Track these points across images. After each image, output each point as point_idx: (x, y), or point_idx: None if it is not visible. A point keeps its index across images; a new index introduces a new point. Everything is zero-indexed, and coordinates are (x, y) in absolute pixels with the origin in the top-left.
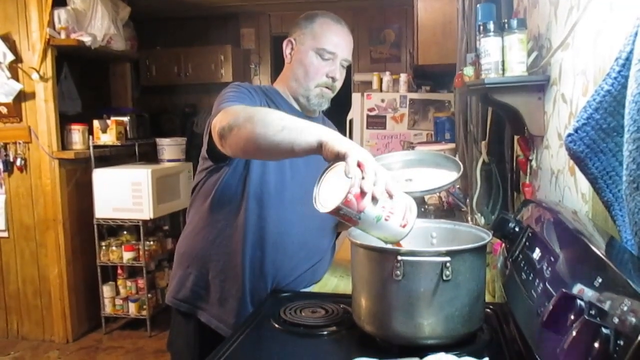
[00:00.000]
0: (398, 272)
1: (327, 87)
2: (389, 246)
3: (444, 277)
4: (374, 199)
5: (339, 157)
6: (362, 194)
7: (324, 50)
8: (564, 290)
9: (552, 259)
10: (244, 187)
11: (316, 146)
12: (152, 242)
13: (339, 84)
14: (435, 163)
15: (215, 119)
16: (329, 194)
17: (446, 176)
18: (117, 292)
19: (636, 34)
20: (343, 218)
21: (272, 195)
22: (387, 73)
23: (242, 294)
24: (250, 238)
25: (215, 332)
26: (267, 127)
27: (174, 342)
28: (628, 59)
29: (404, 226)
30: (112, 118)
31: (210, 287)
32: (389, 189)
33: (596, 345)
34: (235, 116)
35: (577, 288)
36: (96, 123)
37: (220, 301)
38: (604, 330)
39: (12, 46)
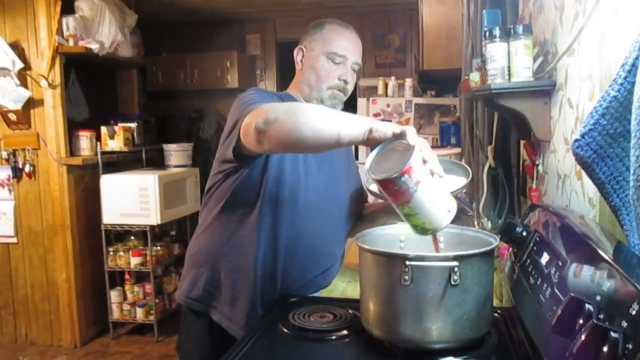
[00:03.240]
0: (406, 277)
1: (339, 90)
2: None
3: (452, 282)
4: (432, 173)
5: (395, 136)
6: (423, 163)
7: (335, 54)
8: (572, 294)
9: (560, 263)
10: (259, 190)
11: (364, 132)
12: (159, 247)
13: (350, 87)
14: (444, 169)
15: (248, 117)
16: (383, 165)
17: (455, 182)
18: (125, 297)
19: None
20: (396, 194)
21: (286, 199)
22: (393, 78)
23: (253, 295)
24: (263, 241)
25: (225, 334)
26: (311, 117)
27: (183, 343)
28: (634, 65)
29: (449, 211)
30: (120, 124)
31: (222, 287)
32: (439, 170)
33: (605, 349)
34: (275, 110)
35: (585, 292)
36: (104, 129)
37: (232, 301)
38: (612, 334)
39: (21, 54)
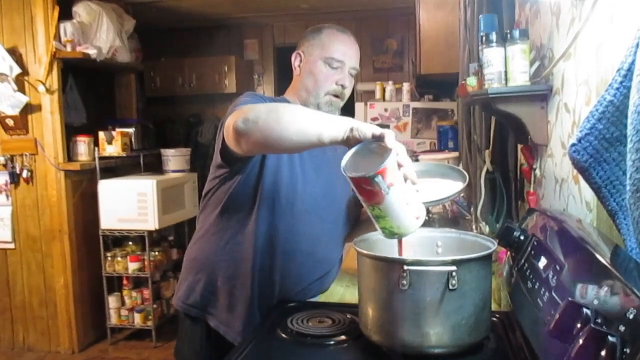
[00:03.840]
0: (404, 282)
1: (336, 96)
2: (393, 255)
3: (450, 287)
4: (405, 178)
5: (374, 137)
6: (399, 167)
7: (332, 59)
8: (570, 299)
9: (558, 267)
10: (255, 196)
11: (344, 131)
12: (157, 253)
13: (348, 92)
14: (440, 173)
15: (231, 116)
16: (359, 165)
17: (452, 186)
18: (123, 303)
19: (637, 45)
20: (368, 194)
21: (283, 205)
22: (390, 82)
23: (250, 301)
24: (260, 246)
25: (223, 339)
26: (292, 116)
27: (181, 349)
28: (630, 70)
29: (417, 218)
30: (117, 129)
31: (219, 293)
32: (413, 176)
33: (603, 353)
34: (257, 110)
35: (583, 296)
36: (101, 134)
37: (229, 307)
38: (610, 338)
39: (18, 59)
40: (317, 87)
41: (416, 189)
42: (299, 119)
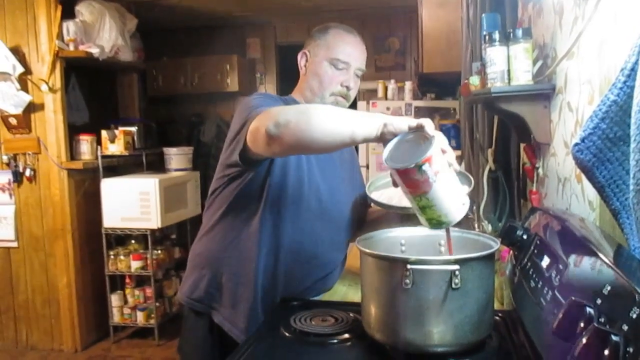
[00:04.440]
0: (407, 281)
1: (341, 97)
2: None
3: (453, 285)
4: (449, 165)
5: (410, 129)
6: (442, 152)
7: (338, 60)
8: (573, 298)
9: (561, 266)
10: (261, 195)
11: (377, 128)
12: (159, 251)
13: (353, 93)
14: None
15: (256, 121)
16: (399, 158)
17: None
18: (125, 301)
19: None
20: (415, 184)
21: (288, 205)
22: (392, 81)
23: (254, 300)
24: (264, 245)
25: (226, 335)
26: (323, 117)
27: (184, 345)
28: (633, 69)
29: (463, 204)
30: (120, 128)
31: (224, 290)
32: (455, 162)
33: (606, 352)
34: (286, 112)
35: (586, 296)
36: (104, 133)
37: (233, 304)
38: (613, 337)
39: (21, 58)
40: (322, 89)
41: None
42: (330, 119)
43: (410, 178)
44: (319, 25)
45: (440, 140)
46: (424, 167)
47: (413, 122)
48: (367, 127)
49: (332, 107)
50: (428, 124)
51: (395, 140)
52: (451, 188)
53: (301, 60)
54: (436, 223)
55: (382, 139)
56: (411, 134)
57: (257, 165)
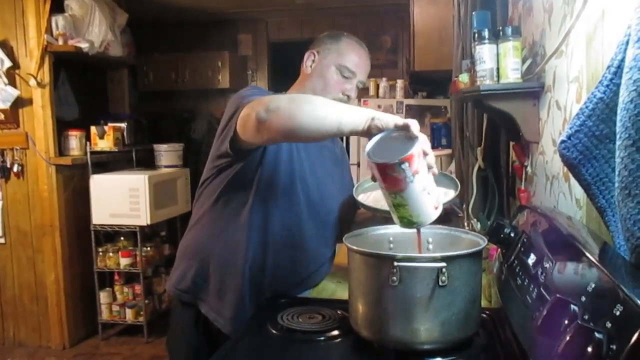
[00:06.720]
0: (394, 278)
1: None
2: (384, 251)
3: (440, 283)
4: (429, 167)
5: (396, 127)
6: (424, 154)
7: (346, 68)
8: (558, 295)
9: (547, 264)
10: (251, 187)
11: (365, 122)
12: (149, 248)
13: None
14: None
15: (247, 108)
16: (382, 153)
17: (444, 195)
18: (114, 298)
19: (627, 42)
20: (392, 181)
21: (278, 197)
22: (384, 79)
23: (241, 290)
24: (253, 236)
25: (212, 327)
26: (313, 105)
27: (171, 338)
28: (619, 67)
29: (436, 208)
30: (110, 124)
31: (210, 280)
32: (435, 166)
33: (589, 349)
34: (278, 99)
35: (571, 293)
36: (93, 129)
37: (219, 295)
38: (597, 334)
39: (9, 52)
40: (325, 92)
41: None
42: (320, 108)
43: (389, 174)
44: (330, 31)
45: (423, 142)
46: (403, 166)
47: (400, 120)
48: (355, 118)
49: (324, 98)
50: (414, 125)
51: (379, 135)
52: (427, 190)
53: (308, 60)
54: (407, 222)
55: (369, 132)
56: (396, 131)
57: (247, 156)
